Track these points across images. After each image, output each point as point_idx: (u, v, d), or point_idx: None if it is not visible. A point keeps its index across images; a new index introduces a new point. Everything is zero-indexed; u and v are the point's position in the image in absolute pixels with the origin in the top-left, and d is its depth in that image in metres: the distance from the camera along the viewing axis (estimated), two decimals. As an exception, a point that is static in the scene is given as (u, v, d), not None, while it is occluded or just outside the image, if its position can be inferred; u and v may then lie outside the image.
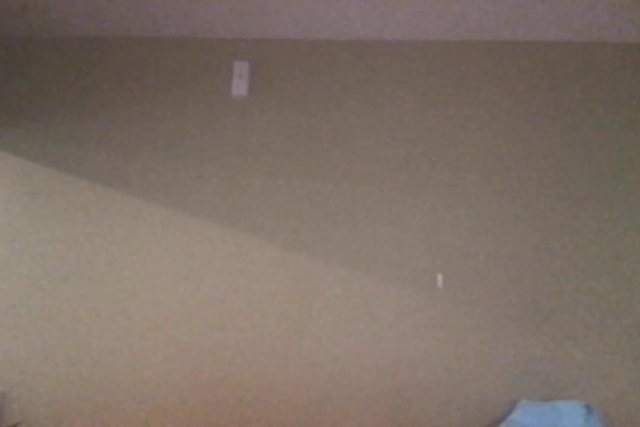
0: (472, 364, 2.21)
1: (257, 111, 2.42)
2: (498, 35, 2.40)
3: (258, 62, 2.46)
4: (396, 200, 2.33)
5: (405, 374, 2.21)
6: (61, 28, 2.45)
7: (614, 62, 2.39)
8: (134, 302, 2.29)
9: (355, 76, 2.43)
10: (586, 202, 2.30)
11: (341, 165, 2.37)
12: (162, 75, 2.46)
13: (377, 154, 2.37)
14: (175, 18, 2.34)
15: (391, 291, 2.26)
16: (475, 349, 2.22)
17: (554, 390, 2.17)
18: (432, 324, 2.24)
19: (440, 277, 2.26)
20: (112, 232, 2.34)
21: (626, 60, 2.39)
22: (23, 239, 2.36)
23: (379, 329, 2.24)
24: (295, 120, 2.41)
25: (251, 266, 2.31)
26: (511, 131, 2.37)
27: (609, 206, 2.29)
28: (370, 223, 2.32)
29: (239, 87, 2.42)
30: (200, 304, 2.28)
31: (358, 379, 2.22)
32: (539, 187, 2.32)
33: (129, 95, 2.45)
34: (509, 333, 2.22)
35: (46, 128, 2.43)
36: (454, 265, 2.27)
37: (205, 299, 2.29)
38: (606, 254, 2.26)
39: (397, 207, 2.33)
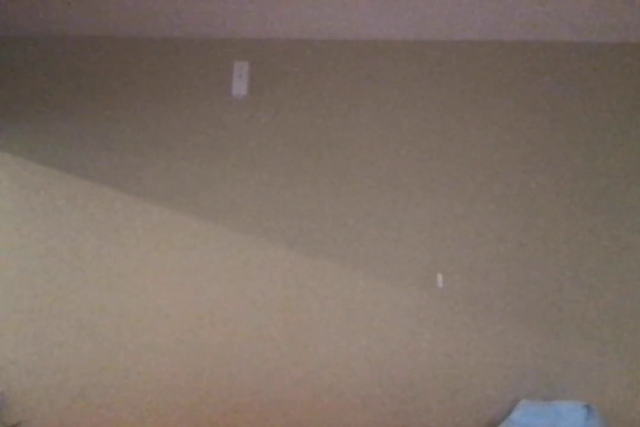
0: (472, 364, 2.21)
1: (257, 111, 2.42)
2: (498, 35, 2.40)
3: (258, 62, 2.45)
4: (396, 200, 2.33)
5: (404, 373, 2.21)
6: (61, 28, 2.44)
7: (615, 62, 2.39)
8: (135, 303, 2.29)
9: (355, 76, 2.43)
10: (587, 202, 2.30)
11: (341, 165, 2.37)
12: (162, 75, 2.46)
13: (377, 153, 2.37)
14: (175, 18, 2.34)
15: (391, 290, 2.26)
16: (475, 348, 2.22)
17: (554, 390, 2.17)
18: (432, 324, 2.24)
19: (440, 277, 2.26)
20: (112, 232, 2.34)
21: (626, 60, 2.39)
22: (23, 239, 2.35)
23: (378, 328, 2.24)
24: (295, 120, 2.41)
25: (250, 265, 2.31)
26: (512, 131, 2.37)
27: (611, 205, 2.29)
28: (370, 223, 2.32)
29: (239, 87, 2.41)
30: (201, 303, 2.28)
31: (357, 379, 2.22)
32: (539, 186, 2.32)
33: (129, 95, 2.45)
34: (509, 333, 2.22)
35: (46, 128, 2.43)
36: (454, 265, 2.27)
37: (206, 298, 2.29)
38: (607, 253, 2.26)
39: (397, 207, 2.33)
